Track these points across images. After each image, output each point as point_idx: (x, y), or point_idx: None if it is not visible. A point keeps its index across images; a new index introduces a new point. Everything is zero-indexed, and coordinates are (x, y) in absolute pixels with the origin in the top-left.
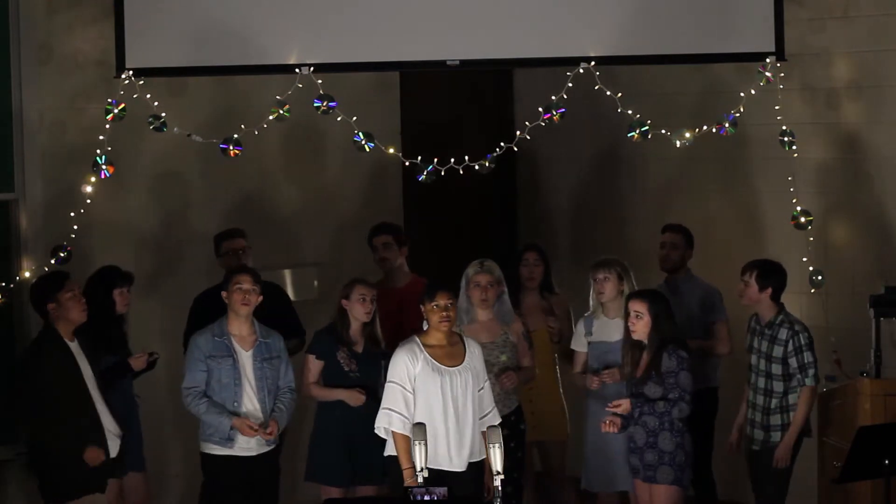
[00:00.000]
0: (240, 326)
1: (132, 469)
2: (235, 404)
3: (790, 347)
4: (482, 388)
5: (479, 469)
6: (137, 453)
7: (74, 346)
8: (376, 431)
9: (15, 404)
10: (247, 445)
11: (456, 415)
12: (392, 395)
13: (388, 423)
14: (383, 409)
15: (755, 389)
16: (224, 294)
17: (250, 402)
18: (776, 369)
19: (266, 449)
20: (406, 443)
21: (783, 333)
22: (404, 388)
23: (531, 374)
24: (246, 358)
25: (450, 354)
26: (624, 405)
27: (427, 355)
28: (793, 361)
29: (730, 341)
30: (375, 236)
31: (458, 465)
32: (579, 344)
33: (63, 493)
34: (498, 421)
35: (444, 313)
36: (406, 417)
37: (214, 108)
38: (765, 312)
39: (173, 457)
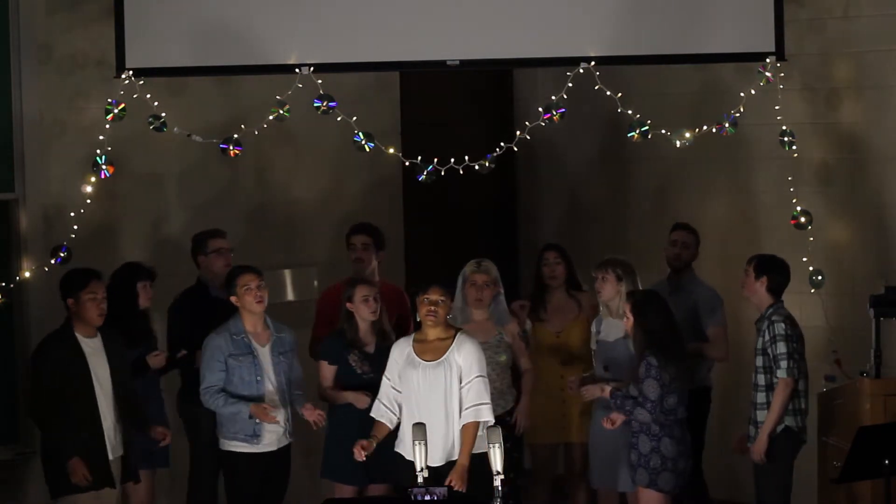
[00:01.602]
0: (254, 324)
1: (159, 466)
2: (258, 399)
3: (766, 337)
4: (467, 384)
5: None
6: (163, 450)
7: (95, 342)
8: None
9: (31, 396)
10: (268, 441)
11: (419, 409)
12: (381, 385)
13: (374, 409)
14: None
15: (752, 387)
16: (234, 298)
17: (270, 397)
18: (759, 361)
19: (284, 444)
20: (379, 428)
21: (765, 324)
22: (389, 380)
23: (534, 378)
24: (264, 354)
25: (434, 349)
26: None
27: (411, 349)
28: (770, 352)
29: (726, 347)
30: (355, 235)
31: (430, 459)
32: (593, 343)
33: (64, 487)
34: (483, 418)
35: (431, 307)
36: (384, 405)
37: (214, 108)
38: (760, 304)
39: (178, 455)
